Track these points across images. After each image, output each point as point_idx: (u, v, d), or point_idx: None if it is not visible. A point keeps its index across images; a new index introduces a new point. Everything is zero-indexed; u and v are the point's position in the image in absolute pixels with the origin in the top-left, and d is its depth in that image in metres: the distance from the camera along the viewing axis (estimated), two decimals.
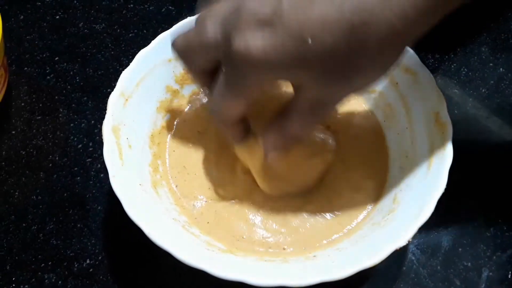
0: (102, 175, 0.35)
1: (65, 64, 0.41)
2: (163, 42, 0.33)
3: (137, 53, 0.33)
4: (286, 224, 0.31)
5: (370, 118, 0.35)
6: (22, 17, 0.43)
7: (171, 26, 0.34)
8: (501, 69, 0.38)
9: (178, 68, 0.35)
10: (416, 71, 0.32)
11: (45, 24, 0.43)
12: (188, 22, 0.34)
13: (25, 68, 0.41)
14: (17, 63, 0.40)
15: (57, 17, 0.43)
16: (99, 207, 0.34)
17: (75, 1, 0.44)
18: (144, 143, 0.32)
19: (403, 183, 0.30)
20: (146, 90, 0.33)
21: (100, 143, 0.29)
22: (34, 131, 0.37)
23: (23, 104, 0.39)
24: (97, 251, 0.32)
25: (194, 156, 0.33)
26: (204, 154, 0.33)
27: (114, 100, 0.30)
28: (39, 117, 0.38)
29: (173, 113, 0.35)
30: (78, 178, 0.35)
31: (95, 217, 0.34)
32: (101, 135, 0.29)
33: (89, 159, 0.36)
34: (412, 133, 0.32)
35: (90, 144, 0.37)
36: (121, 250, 0.33)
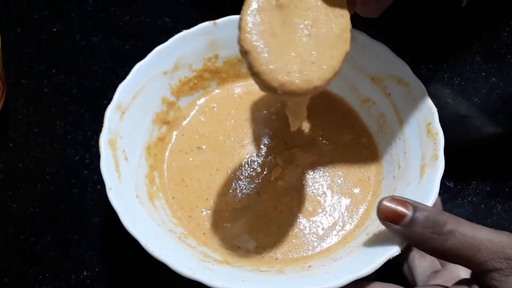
0: (99, 186, 0.35)
1: (62, 76, 0.41)
2: (159, 55, 0.34)
3: (133, 65, 0.33)
4: (280, 234, 0.31)
5: (361, 127, 0.35)
6: (19, 30, 0.44)
7: (167, 38, 0.34)
8: (493, 78, 0.39)
9: (174, 80, 0.35)
10: (408, 82, 0.33)
11: (42, 36, 0.43)
12: (183, 36, 0.34)
13: (23, 81, 0.41)
14: (15, 76, 0.41)
15: (54, 29, 0.44)
16: (96, 219, 0.34)
17: (72, 14, 0.44)
18: (140, 155, 0.32)
19: (396, 192, 0.31)
20: (142, 102, 0.33)
21: (97, 155, 0.29)
22: (32, 143, 0.38)
23: (20, 116, 0.39)
24: (94, 262, 0.33)
25: (193, 170, 0.34)
26: (204, 168, 0.34)
27: (110, 113, 0.31)
28: (37, 129, 0.38)
29: (169, 125, 0.36)
30: (75, 189, 0.36)
31: (92, 229, 0.34)
32: (98, 147, 0.29)
33: (86, 171, 0.36)
34: (405, 144, 0.32)
35: (87, 156, 0.37)
36: (118, 261, 0.33)
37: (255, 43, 0.24)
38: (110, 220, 0.34)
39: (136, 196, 0.29)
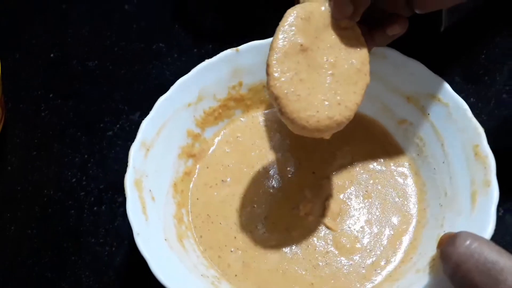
0: (95, 208, 0.35)
1: (59, 100, 0.41)
2: (182, 87, 0.33)
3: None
4: (317, 273, 0.29)
5: (398, 151, 0.33)
6: (17, 55, 0.44)
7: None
8: (472, 98, 0.38)
9: (198, 112, 0.34)
10: (447, 101, 0.31)
11: (40, 62, 0.44)
12: (205, 66, 0.33)
13: (21, 105, 0.41)
14: (13, 101, 0.41)
15: (52, 55, 0.44)
16: (92, 240, 0.34)
17: (68, 39, 0.45)
18: (167, 193, 0.31)
19: (446, 223, 0.28)
20: (167, 137, 0.32)
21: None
22: (29, 166, 0.38)
23: (18, 140, 0.39)
24: (91, 283, 0.32)
25: (218, 205, 0.32)
26: (229, 203, 0.32)
27: (135, 152, 0.29)
28: (34, 153, 0.38)
29: (195, 158, 0.34)
30: (72, 211, 0.35)
31: (89, 250, 0.34)
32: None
33: (83, 193, 0.36)
34: (450, 168, 0.30)
35: (84, 178, 0.37)
36: (116, 282, 0.32)
37: (285, 90, 0.26)
38: (107, 240, 0.34)
39: (165, 239, 0.28)
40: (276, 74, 0.26)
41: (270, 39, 0.34)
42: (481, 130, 0.29)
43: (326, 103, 0.26)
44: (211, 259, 0.30)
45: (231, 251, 0.30)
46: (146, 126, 0.31)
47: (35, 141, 0.39)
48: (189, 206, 0.32)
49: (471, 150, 0.28)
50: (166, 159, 0.32)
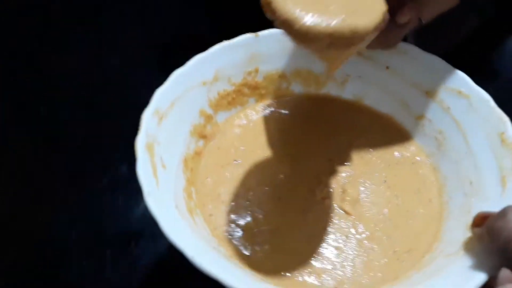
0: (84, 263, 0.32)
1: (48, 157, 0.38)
2: (198, 64, 0.32)
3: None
4: (342, 259, 0.26)
5: (416, 147, 0.32)
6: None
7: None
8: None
9: (212, 92, 0.33)
10: (469, 93, 0.30)
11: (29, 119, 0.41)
12: (223, 46, 0.32)
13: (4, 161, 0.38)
14: None
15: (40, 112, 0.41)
16: None
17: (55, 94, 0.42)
18: (178, 167, 0.29)
19: (473, 210, 0.27)
20: (180, 112, 0.30)
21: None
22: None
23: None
24: None
25: (229, 184, 0.30)
26: (241, 182, 0.30)
27: (148, 117, 0.28)
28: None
29: (206, 140, 0.32)
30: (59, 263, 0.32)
31: None
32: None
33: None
34: (474, 158, 0.29)
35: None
36: None
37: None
38: None
39: (176, 207, 0.25)
40: None
41: None
42: (506, 118, 0.28)
43: (339, 8, 0.22)
44: (221, 239, 0.27)
45: (242, 232, 0.27)
46: (160, 96, 0.29)
47: (21, 198, 0.36)
48: (200, 185, 0.30)
49: (497, 138, 0.28)
50: (178, 133, 0.30)
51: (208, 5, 0.46)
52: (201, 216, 0.28)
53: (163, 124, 0.29)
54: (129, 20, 0.48)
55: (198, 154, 0.31)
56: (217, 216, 0.28)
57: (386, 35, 0.28)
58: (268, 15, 0.23)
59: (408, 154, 0.32)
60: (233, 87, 0.34)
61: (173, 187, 0.27)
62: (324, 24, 0.21)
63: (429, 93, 0.32)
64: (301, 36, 0.22)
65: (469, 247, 0.24)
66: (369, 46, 0.28)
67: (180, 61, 0.31)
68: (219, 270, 0.21)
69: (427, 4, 0.29)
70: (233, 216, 0.28)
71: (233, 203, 0.29)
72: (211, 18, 0.46)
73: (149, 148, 0.27)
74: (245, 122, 0.34)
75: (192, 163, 0.30)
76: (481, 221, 0.22)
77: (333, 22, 0.22)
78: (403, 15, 0.28)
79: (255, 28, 0.33)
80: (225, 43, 0.33)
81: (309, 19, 0.21)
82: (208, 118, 0.33)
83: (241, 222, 0.28)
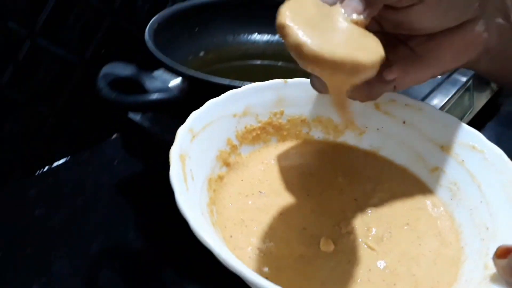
0: None
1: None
2: (231, 98, 0.34)
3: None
4: None
5: (431, 196, 0.33)
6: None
7: None
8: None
9: (240, 125, 0.35)
10: (482, 148, 0.32)
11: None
12: (255, 86, 0.35)
13: None
14: None
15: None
16: None
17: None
18: (203, 183, 0.30)
19: (491, 250, 0.27)
20: (210, 135, 0.32)
21: None
22: None
23: None
24: None
25: (254, 211, 0.30)
26: (265, 211, 0.31)
27: (183, 132, 0.29)
28: None
29: (229, 168, 0.34)
30: None
31: None
32: None
33: None
34: (489, 206, 0.30)
35: None
36: None
37: (296, 23, 0.24)
38: None
39: (202, 213, 0.26)
40: (286, 11, 0.24)
41: None
42: None
43: (344, 43, 0.24)
44: (240, 259, 0.27)
45: (263, 255, 0.27)
46: (195, 118, 0.31)
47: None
48: (222, 209, 0.30)
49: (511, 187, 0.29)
50: (207, 154, 0.31)
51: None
52: (221, 235, 0.28)
53: (195, 143, 0.30)
54: None
55: (221, 178, 0.32)
56: (238, 238, 0.28)
57: (371, 87, 0.29)
58: (281, 37, 0.25)
59: (427, 202, 0.33)
60: (259, 124, 0.36)
61: (198, 199, 0.27)
62: (329, 52, 0.23)
63: (444, 148, 0.34)
64: (308, 58, 0.24)
65: (494, 278, 0.24)
66: (352, 96, 0.29)
67: None
68: (244, 268, 0.21)
69: (413, 72, 0.29)
70: (254, 240, 0.28)
71: (255, 228, 0.29)
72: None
73: (182, 159, 0.28)
74: (269, 159, 0.36)
75: (215, 185, 0.31)
76: (504, 253, 0.23)
77: (338, 51, 0.24)
78: (391, 72, 0.29)
79: None
80: (257, 83, 0.36)
81: (316, 45, 0.23)
82: (234, 148, 0.34)
83: (263, 246, 0.28)
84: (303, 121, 0.38)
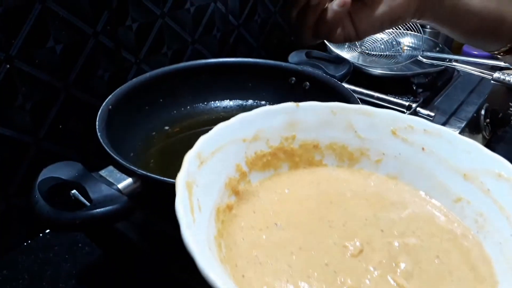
0: None
1: None
2: (241, 122, 0.32)
3: None
4: None
5: (459, 226, 0.31)
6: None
7: None
8: None
9: (250, 150, 0.33)
10: (510, 176, 0.30)
11: None
12: (266, 110, 0.33)
13: None
14: None
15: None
16: None
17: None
18: (211, 214, 0.27)
19: None
20: (220, 161, 0.30)
21: None
22: None
23: None
24: None
25: (268, 248, 0.28)
26: (283, 246, 0.28)
27: (191, 158, 0.27)
28: None
29: (238, 197, 0.31)
30: None
31: None
32: None
33: None
34: None
35: None
36: None
37: None
38: None
39: (209, 249, 0.23)
40: None
41: (329, 103, 0.36)
42: None
43: None
44: None
45: None
46: (203, 142, 0.29)
47: None
48: (232, 244, 0.28)
49: None
50: (215, 181, 0.29)
51: None
52: (231, 274, 0.26)
53: (203, 168, 0.28)
54: None
55: (229, 208, 0.30)
56: (251, 278, 0.26)
57: (330, 24, 0.38)
58: None
59: (456, 232, 0.31)
60: (270, 150, 0.34)
61: (206, 232, 0.25)
62: None
63: (467, 176, 0.32)
64: None
65: None
66: (316, 33, 0.39)
67: None
68: None
69: (364, 14, 0.39)
70: (270, 279, 0.26)
71: (271, 266, 0.27)
72: None
73: (189, 186, 0.26)
74: (282, 188, 0.33)
75: (223, 215, 0.29)
76: None
77: None
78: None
79: None
80: (268, 107, 0.34)
81: None
82: (243, 175, 0.32)
83: (280, 286, 0.25)
84: (315, 147, 0.36)
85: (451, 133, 0.33)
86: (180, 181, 0.25)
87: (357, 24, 0.39)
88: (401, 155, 0.35)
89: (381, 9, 0.38)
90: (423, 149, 0.34)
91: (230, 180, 0.31)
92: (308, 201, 0.32)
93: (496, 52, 0.44)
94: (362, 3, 0.39)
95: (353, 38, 0.41)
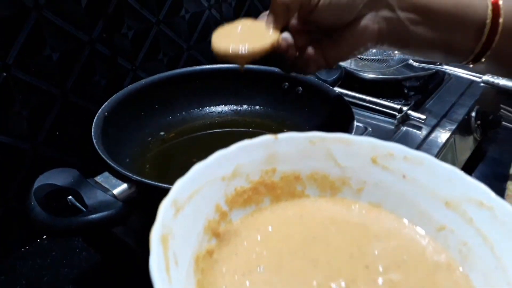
0: None
1: None
2: (220, 159, 0.32)
3: None
4: None
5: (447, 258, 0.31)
6: None
7: None
8: None
9: (230, 188, 0.32)
10: (491, 204, 0.30)
11: None
12: (244, 145, 0.33)
13: None
14: None
15: None
16: None
17: None
18: (189, 264, 0.26)
19: None
20: (197, 205, 0.29)
21: None
22: None
23: None
24: None
25: None
26: None
27: (165, 208, 0.26)
28: None
29: (219, 239, 0.31)
30: None
31: None
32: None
33: None
34: (505, 273, 0.27)
35: None
36: None
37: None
38: None
39: None
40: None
41: (308, 133, 0.35)
42: None
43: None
44: None
45: None
46: (179, 187, 0.28)
47: None
48: None
49: None
50: (193, 227, 0.28)
51: None
52: None
53: (180, 217, 0.27)
54: None
55: (209, 254, 0.29)
56: None
57: (307, 62, 0.45)
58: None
59: (441, 263, 0.30)
60: (250, 185, 0.33)
61: None
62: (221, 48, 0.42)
63: (449, 204, 0.32)
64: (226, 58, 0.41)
65: None
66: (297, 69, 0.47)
67: None
68: None
69: (332, 50, 0.45)
70: None
71: None
72: None
73: (164, 241, 0.25)
74: (265, 225, 0.33)
75: (203, 263, 0.28)
76: None
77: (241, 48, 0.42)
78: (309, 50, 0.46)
79: None
80: (246, 141, 0.33)
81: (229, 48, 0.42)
82: (223, 215, 0.31)
83: None
84: (297, 178, 0.35)
85: (431, 160, 0.33)
86: (154, 235, 0.24)
87: (327, 57, 0.46)
88: (382, 183, 0.34)
89: (344, 43, 0.44)
90: (404, 176, 0.34)
91: (209, 222, 0.30)
92: (291, 239, 0.31)
93: (465, 63, 0.47)
94: (330, 41, 0.45)
95: (324, 67, 0.47)
